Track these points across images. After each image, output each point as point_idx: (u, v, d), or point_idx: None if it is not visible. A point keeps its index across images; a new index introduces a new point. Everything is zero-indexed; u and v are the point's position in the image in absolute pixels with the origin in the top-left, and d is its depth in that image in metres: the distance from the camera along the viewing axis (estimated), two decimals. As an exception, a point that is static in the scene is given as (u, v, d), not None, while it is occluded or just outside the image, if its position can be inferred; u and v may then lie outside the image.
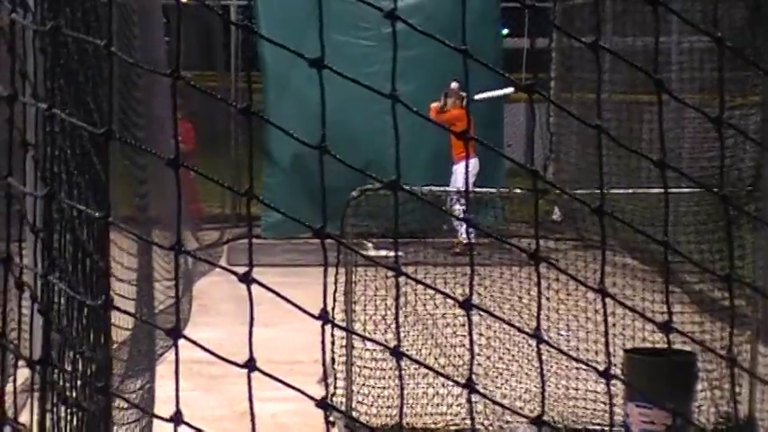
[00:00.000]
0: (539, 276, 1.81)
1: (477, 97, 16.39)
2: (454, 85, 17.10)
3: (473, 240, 15.22)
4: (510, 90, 16.87)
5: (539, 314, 1.83)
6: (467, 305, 1.71)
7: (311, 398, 1.78)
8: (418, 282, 2.18)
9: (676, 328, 1.96)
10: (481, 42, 17.27)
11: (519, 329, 1.95)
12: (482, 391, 2.01)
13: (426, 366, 1.96)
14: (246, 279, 1.75)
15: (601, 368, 2.13)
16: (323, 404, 1.80)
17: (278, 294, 1.80)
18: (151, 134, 9.08)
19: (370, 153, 16.29)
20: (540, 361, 1.82)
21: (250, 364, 1.71)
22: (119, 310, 1.88)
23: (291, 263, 15.47)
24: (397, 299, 1.71)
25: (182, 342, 2.00)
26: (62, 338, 2.99)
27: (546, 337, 1.94)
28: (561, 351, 1.94)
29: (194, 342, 1.84)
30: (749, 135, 10.58)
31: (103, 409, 3.40)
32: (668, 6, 1.92)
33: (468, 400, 1.75)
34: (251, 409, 1.75)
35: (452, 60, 2.17)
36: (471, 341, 1.84)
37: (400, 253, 12.03)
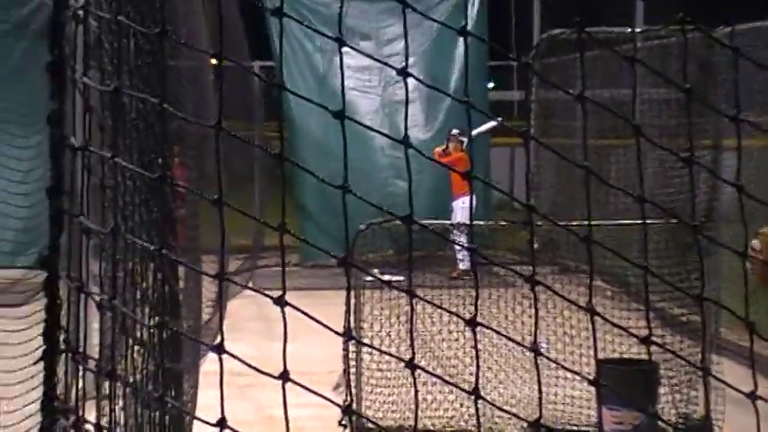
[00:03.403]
0: (535, 299, 1.81)
1: (474, 132, 16.29)
2: (455, 131, 17.03)
3: (469, 268, 15.20)
4: (493, 123, 16.69)
5: (536, 330, 1.83)
6: (473, 324, 1.71)
7: (337, 405, 1.78)
8: (427, 302, 2.18)
9: (654, 341, 1.96)
10: (471, 94, 17.27)
11: (518, 343, 1.95)
12: (474, 397, 2.00)
13: (436, 376, 1.95)
14: (281, 302, 1.75)
15: (579, 376, 2.13)
16: (347, 409, 1.79)
17: (308, 316, 1.80)
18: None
19: (378, 187, 16.36)
20: (538, 371, 1.82)
21: (284, 376, 1.71)
22: (183, 335, 1.88)
23: (309, 286, 15.46)
24: (411, 315, 1.71)
25: (213, 355, 2.00)
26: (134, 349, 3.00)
27: (529, 350, 1.95)
28: (553, 361, 1.94)
29: (236, 357, 1.84)
30: (704, 173, 10.57)
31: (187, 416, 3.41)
32: (644, 63, 1.93)
33: (475, 406, 1.75)
34: (285, 415, 1.75)
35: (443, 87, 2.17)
36: (477, 355, 1.83)
37: (402, 277, 12.03)
